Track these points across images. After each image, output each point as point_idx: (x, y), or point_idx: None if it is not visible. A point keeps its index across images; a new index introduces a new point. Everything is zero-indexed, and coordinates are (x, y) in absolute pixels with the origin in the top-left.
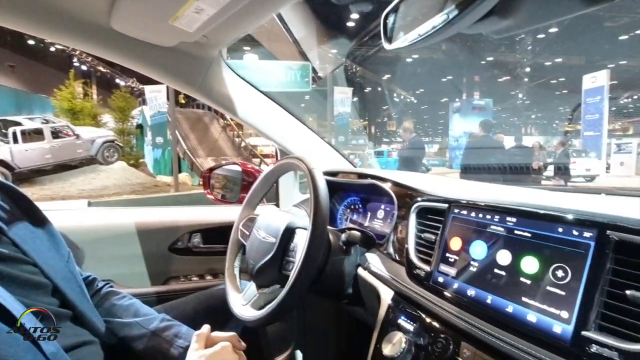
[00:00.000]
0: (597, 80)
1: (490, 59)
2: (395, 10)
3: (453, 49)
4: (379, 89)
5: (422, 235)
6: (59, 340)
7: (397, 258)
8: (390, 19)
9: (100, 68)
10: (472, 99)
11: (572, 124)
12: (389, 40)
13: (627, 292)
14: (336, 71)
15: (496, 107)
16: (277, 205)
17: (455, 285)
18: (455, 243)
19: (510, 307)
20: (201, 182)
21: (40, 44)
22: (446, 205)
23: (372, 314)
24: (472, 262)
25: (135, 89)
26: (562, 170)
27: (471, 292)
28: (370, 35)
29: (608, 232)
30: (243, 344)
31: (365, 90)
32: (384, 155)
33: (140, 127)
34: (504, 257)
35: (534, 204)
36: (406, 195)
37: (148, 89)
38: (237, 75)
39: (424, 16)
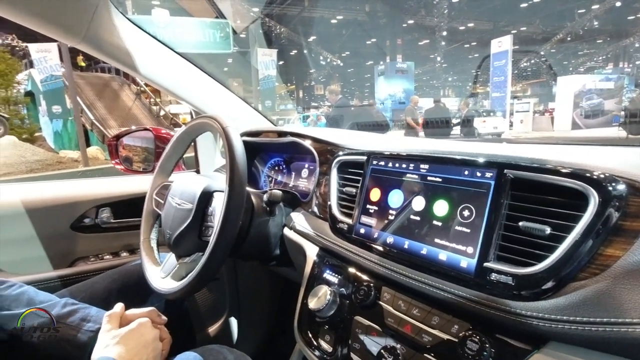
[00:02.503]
0: (502, 44)
1: (411, 22)
2: None
3: (376, 11)
4: (305, 51)
5: (344, 190)
6: None
7: (321, 214)
8: None
9: None
10: (395, 62)
11: (482, 85)
12: None
13: (520, 223)
14: (258, 32)
15: (418, 69)
16: (198, 172)
17: (376, 235)
18: (375, 194)
19: (424, 249)
20: None
21: None
22: (365, 157)
23: (301, 273)
24: (390, 212)
25: (17, 48)
26: (468, 127)
27: (390, 239)
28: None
29: (505, 171)
30: (164, 317)
31: (291, 53)
32: (314, 119)
33: (30, 94)
34: (418, 203)
35: (444, 150)
36: (327, 151)
37: (33, 47)
38: (133, 23)
39: None
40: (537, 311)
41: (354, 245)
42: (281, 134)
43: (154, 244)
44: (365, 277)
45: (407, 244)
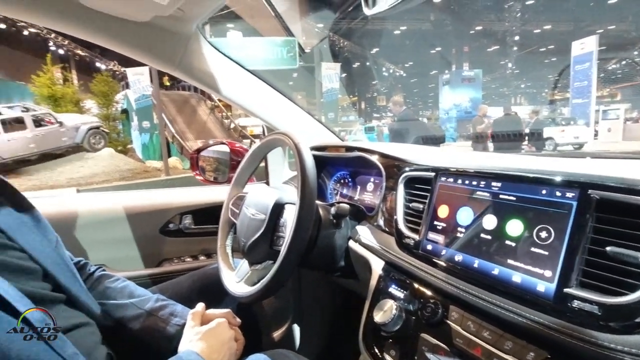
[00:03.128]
0: (585, 46)
1: (479, 28)
2: None
3: (441, 19)
4: (368, 63)
5: (410, 205)
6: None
7: (387, 229)
8: None
9: (79, 51)
10: (461, 70)
11: (561, 92)
12: (368, 4)
13: (608, 248)
14: (323, 46)
15: (486, 77)
16: (267, 183)
17: (444, 252)
18: (443, 211)
19: (496, 270)
20: None
21: (12, 28)
22: (433, 173)
23: (365, 285)
24: (459, 229)
25: (117, 73)
26: (536, 137)
27: (459, 257)
28: (355, 6)
29: (590, 191)
30: (238, 319)
31: (354, 65)
32: (374, 131)
33: (125, 111)
34: (489, 221)
35: (518, 167)
36: (393, 166)
37: (130, 71)
38: (219, 51)
39: None
40: (629, 346)
41: (420, 261)
42: (349, 149)
43: (229, 250)
44: (431, 293)
45: (477, 263)
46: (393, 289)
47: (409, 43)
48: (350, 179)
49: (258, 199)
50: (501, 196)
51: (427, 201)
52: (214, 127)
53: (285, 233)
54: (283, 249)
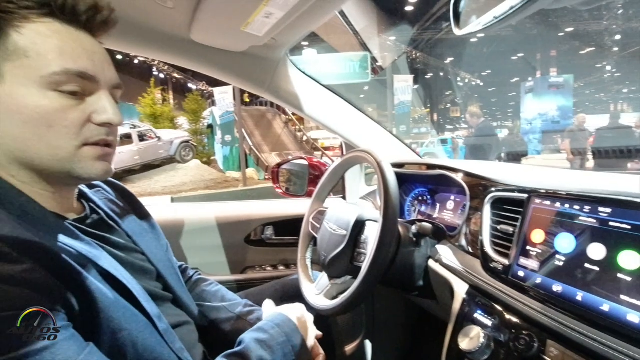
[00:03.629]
0: None
1: (570, 30)
2: None
3: (524, 23)
4: (442, 73)
5: (499, 227)
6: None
7: (471, 250)
8: (462, 3)
9: (175, 75)
10: (548, 76)
11: None
12: (459, 25)
13: None
14: (397, 59)
15: (577, 83)
16: (344, 197)
17: (539, 280)
18: (537, 235)
19: (605, 306)
20: (266, 177)
21: (126, 58)
22: (525, 195)
23: (444, 307)
24: (557, 256)
25: (205, 92)
26: None
27: (557, 287)
28: (433, 19)
29: None
30: (319, 332)
31: (427, 76)
32: (449, 143)
33: (210, 127)
34: (596, 251)
35: (633, 192)
36: (479, 185)
37: (217, 90)
38: (303, 72)
39: None
40: None
41: (509, 287)
42: (430, 166)
43: (308, 262)
44: (524, 324)
45: (580, 295)
46: (479, 315)
47: (487, 51)
48: (429, 197)
49: (339, 214)
50: (612, 224)
51: (518, 224)
52: (288, 139)
53: (366, 250)
54: (364, 266)
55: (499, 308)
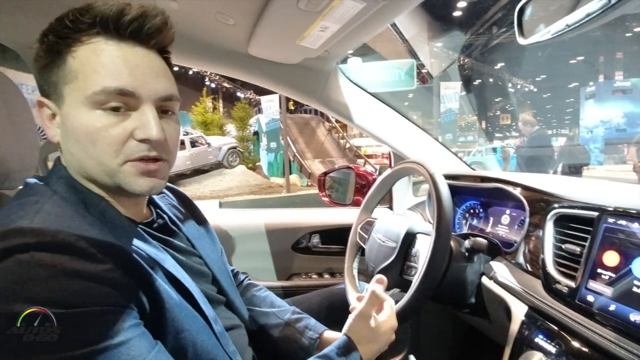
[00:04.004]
0: None
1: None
2: (531, 0)
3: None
4: (491, 79)
5: (563, 247)
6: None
7: (530, 269)
8: (527, 11)
9: (225, 84)
10: (612, 80)
11: None
12: (524, 34)
13: None
14: (441, 66)
15: None
16: (391, 208)
17: (612, 307)
18: (610, 258)
19: None
20: (309, 183)
21: (181, 69)
22: (595, 213)
23: (499, 329)
24: (635, 282)
25: (252, 100)
26: None
27: (636, 317)
28: (483, 25)
29: None
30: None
31: (475, 83)
32: (498, 152)
33: (256, 134)
34: None
35: None
36: (540, 200)
37: (264, 99)
38: (352, 82)
39: (571, 4)
40: None
41: (576, 312)
42: (484, 179)
43: (355, 272)
44: (595, 354)
45: None
46: (541, 341)
47: (541, 55)
48: (481, 210)
49: (388, 225)
50: None
51: (586, 244)
52: (331, 147)
53: (416, 263)
54: (416, 280)
55: (564, 334)
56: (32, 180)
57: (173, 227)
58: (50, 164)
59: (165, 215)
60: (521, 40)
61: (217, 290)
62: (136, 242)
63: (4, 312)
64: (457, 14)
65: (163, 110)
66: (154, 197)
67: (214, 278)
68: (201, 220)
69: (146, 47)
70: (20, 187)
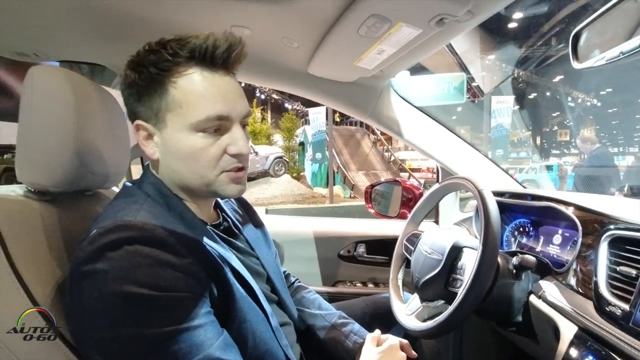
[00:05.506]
0: None
1: None
2: (587, 26)
3: None
4: (548, 93)
5: (618, 269)
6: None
7: (581, 290)
8: (583, 37)
9: (274, 96)
10: None
11: None
12: (579, 58)
13: None
14: (493, 78)
15: None
16: (437, 222)
17: None
18: None
19: None
20: (352, 195)
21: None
22: None
23: (547, 349)
24: None
25: (299, 111)
26: None
27: None
28: (543, 38)
29: None
30: (414, 353)
31: (530, 97)
32: (554, 170)
33: (302, 144)
34: None
35: None
36: (594, 221)
37: (311, 111)
38: (403, 99)
39: (626, 32)
40: None
41: (631, 336)
42: (535, 197)
43: (400, 283)
44: None
45: None
46: None
47: (608, 66)
48: (532, 228)
49: (434, 239)
50: None
51: None
52: (375, 159)
53: (462, 276)
54: (460, 293)
55: (615, 356)
56: (129, 184)
57: (235, 229)
58: (132, 168)
59: (229, 219)
60: (575, 65)
61: (271, 290)
62: (207, 241)
63: (117, 290)
64: (512, 25)
65: (243, 125)
66: (220, 201)
67: (268, 278)
68: (258, 224)
69: (229, 73)
70: (113, 187)
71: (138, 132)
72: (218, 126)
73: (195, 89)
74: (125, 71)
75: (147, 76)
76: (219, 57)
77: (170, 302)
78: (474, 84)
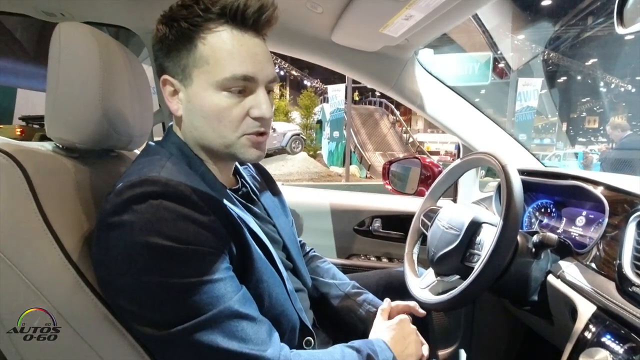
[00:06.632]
0: None
1: None
2: None
3: None
4: (579, 77)
5: None
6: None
7: (603, 271)
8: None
9: (293, 72)
10: None
11: None
12: (624, 22)
13: None
14: (520, 59)
15: None
16: (454, 201)
17: None
18: None
19: None
20: (368, 175)
21: None
22: None
23: (561, 330)
24: None
25: (318, 89)
26: None
27: None
28: (578, 16)
29: None
30: (422, 311)
31: (559, 80)
32: (579, 159)
33: (319, 122)
34: None
35: None
36: (623, 201)
37: (330, 88)
38: (429, 73)
39: None
40: None
41: None
42: (560, 175)
43: (415, 257)
44: None
45: None
46: (608, 340)
47: None
48: (554, 210)
49: (452, 214)
50: None
51: None
52: (393, 140)
53: (480, 251)
54: (477, 267)
55: (635, 336)
56: (152, 144)
57: (253, 196)
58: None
59: (247, 185)
60: (620, 30)
61: (286, 257)
62: (227, 202)
63: (142, 241)
64: (546, 2)
65: (268, 90)
66: (239, 167)
67: (284, 245)
68: (276, 192)
69: (259, 35)
70: (136, 149)
71: (164, 87)
72: (243, 87)
73: (224, 46)
74: (157, 25)
75: (178, 30)
76: (249, 17)
77: (192, 255)
78: (500, 65)
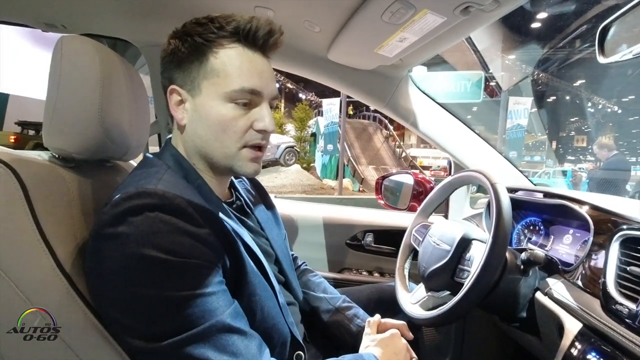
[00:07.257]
0: None
1: None
2: (616, 20)
3: None
4: (568, 97)
5: (628, 269)
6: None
7: (588, 289)
8: (611, 31)
9: (289, 85)
10: None
11: None
12: (605, 53)
13: None
14: (512, 79)
15: None
16: (446, 217)
17: None
18: None
19: None
20: (360, 189)
21: None
22: None
23: (549, 346)
24: None
25: (313, 102)
26: None
27: None
28: (566, 39)
29: None
30: (410, 334)
31: (549, 100)
32: (568, 176)
33: (313, 135)
34: None
35: None
36: (607, 220)
37: (325, 101)
38: (422, 91)
39: None
40: None
41: (635, 334)
42: (547, 194)
43: (406, 272)
44: None
45: None
46: (594, 357)
47: (632, 72)
48: (542, 227)
49: (444, 230)
50: None
51: None
52: (386, 154)
53: (470, 267)
54: (467, 284)
55: (619, 354)
56: (150, 155)
57: (247, 209)
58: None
59: (241, 198)
60: (601, 59)
61: (279, 270)
62: (222, 216)
63: (137, 253)
64: (535, 25)
65: (270, 106)
66: (234, 181)
67: (277, 259)
68: (270, 206)
69: (265, 55)
70: (131, 161)
71: (171, 96)
72: (249, 100)
73: (235, 62)
74: (170, 40)
75: (191, 44)
76: (259, 39)
77: (186, 268)
78: (492, 83)
